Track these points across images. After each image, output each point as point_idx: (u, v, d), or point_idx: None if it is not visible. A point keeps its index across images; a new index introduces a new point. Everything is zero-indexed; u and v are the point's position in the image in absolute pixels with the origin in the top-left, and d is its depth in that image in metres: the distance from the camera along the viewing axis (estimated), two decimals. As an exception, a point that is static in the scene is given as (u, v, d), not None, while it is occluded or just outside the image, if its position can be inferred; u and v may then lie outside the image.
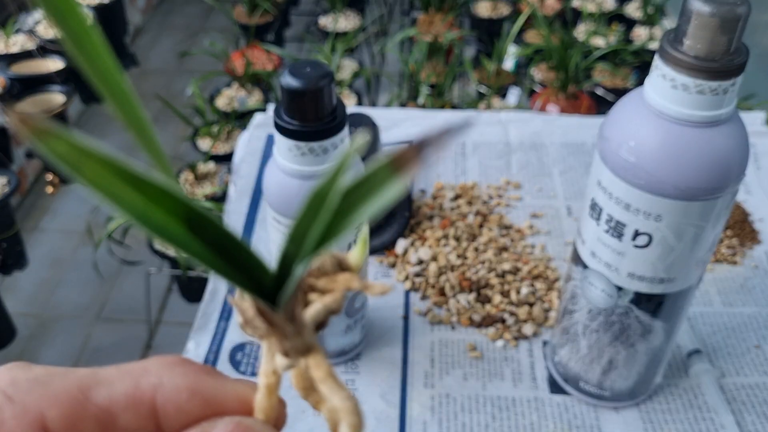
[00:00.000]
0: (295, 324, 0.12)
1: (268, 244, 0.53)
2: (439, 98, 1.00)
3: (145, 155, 0.11)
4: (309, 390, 0.14)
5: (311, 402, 0.14)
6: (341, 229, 0.11)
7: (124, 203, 0.10)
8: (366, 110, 0.62)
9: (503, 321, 0.46)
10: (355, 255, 0.13)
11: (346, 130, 0.35)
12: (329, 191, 0.11)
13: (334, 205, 0.11)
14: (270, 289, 0.12)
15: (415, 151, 0.10)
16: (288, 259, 0.11)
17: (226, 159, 1.09)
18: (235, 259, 0.11)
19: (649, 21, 1.19)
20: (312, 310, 0.13)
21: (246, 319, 0.13)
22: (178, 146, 1.51)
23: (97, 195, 0.09)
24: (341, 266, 0.13)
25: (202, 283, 0.58)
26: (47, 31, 1.14)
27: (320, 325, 0.13)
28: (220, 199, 0.99)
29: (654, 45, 1.08)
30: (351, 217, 0.11)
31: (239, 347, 0.46)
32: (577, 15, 1.24)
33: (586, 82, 1.01)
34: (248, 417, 0.14)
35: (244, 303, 0.13)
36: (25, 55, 1.08)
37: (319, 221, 0.11)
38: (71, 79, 1.12)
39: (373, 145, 0.55)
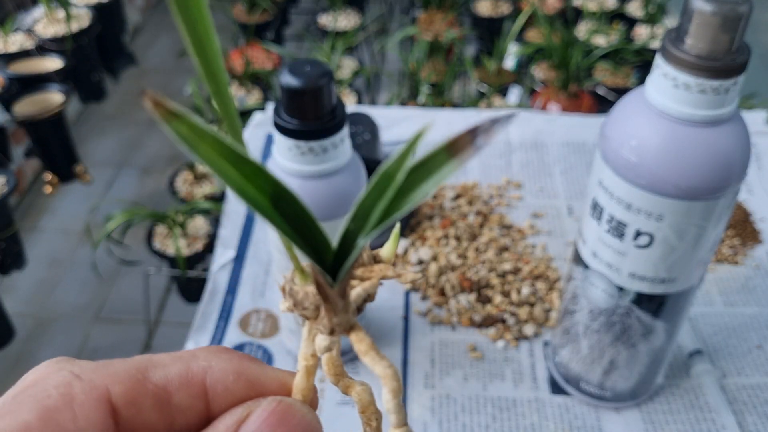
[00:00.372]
0: (345, 300, 0.14)
1: (267, 244, 0.53)
2: (440, 97, 0.99)
3: (228, 129, 0.13)
4: (339, 376, 0.15)
5: (341, 387, 0.16)
6: (403, 205, 0.12)
7: (227, 177, 0.12)
8: (366, 109, 0.62)
9: (504, 321, 0.46)
10: (387, 249, 0.15)
11: (345, 129, 0.35)
12: (397, 170, 0.12)
13: (400, 183, 0.12)
14: (329, 265, 0.13)
15: (469, 137, 0.12)
16: (349, 236, 0.13)
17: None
18: (306, 234, 0.13)
19: (651, 20, 1.19)
20: (354, 293, 0.14)
21: (296, 300, 0.14)
22: (176, 146, 1.51)
23: (208, 168, 0.12)
24: (375, 259, 0.15)
25: (201, 283, 0.58)
26: (46, 30, 1.14)
27: (358, 309, 0.15)
28: (219, 199, 0.98)
29: (655, 44, 1.08)
30: (412, 194, 0.12)
31: (238, 348, 0.46)
32: (578, 14, 1.24)
33: (588, 81, 1.00)
34: (288, 397, 0.15)
35: (295, 286, 0.14)
36: (24, 54, 1.08)
37: (384, 198, 0.12)
38: (70, 78, 1.12)
39: (373, 144, 0.55)
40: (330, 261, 0.13)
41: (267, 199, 0.12)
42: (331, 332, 0.14)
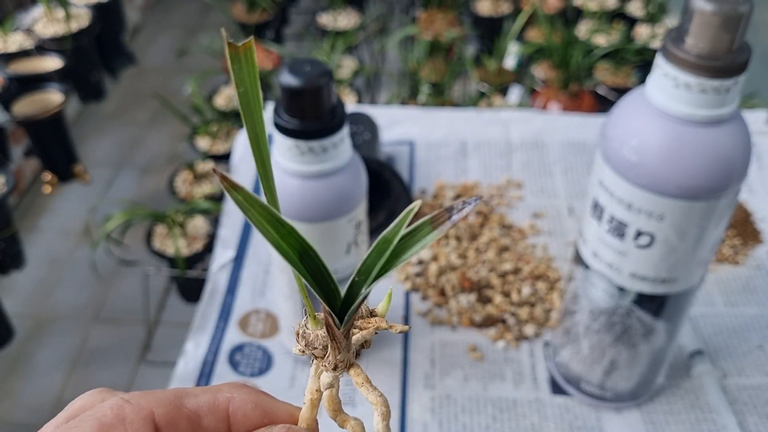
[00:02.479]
0: (348, 341, 0.17)
1: (267, 244, 0.52)
2: (440, 97, 0.99)
3: (265, 192, 0.17)
4: (337, 411, 0.19)
5: (339, 421, 0.19)
6: (397, 263, 0.16)
7: (269, 235, 0.15)
8: (366, 109, 0.62)
9: (504, 322, 0.46)
10: (382, 305, 0.18)
11: (345, 128, 0.35)
12: (394, 236, 0.16)
13: (393, 246, 0.15)
14: (338, 310, 0.17)
15: (447, 214, 0.15)
16: (354, 287, 0.16)
17: (225, 158, 1.09)
18: (322, 283, 0.16)
19: (651, 19, 1.19)
20: (354, 338, 0.18)
21: (307, 341, 0.18)
22: (176, 145, 1.51)
23: (255, 228, 0.15)
24: (372, 314, 0.18)
25: (201, 283, 0.58)
26: (45, 29, 1.13)
27: (357, 353, 0.18)
28: (218, 198, 0.98)
29: (656, 43, 1.08)
30: (403, 254, 0.16)
31: (238, 348, 0.46)
32: (578, 13, 1.24)
33: (588, 80, 1.00)
34: (295, 425, 0.18)
35: (308, 330, 0.18)
36: (23, 54, 1.08)
37: (383, 257, 0.16)
38: (69, 77, 1.12)
39: (373, 144, 0.55)
40: (338, 306, 0.16)
41: (296, 254, 0.16)
42: (335, 367, 0.17)
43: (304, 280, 0.16)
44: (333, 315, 0.16)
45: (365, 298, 0.16)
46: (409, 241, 0.16)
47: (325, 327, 0.17)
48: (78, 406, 0.17)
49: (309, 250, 0.16)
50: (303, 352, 0.18)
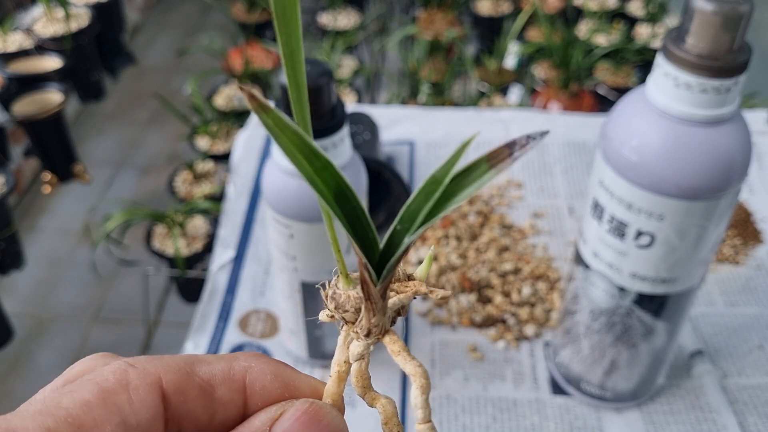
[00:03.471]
0: (384, 302, 0.15)
1: (267, 244, 0.52)
2: (440, 96, 0.99)
3: (298, 121, 0.15)
4: (366, 389, 0.17)
5: (367, 399, 0.17)
6: (447, 206, 0.14)
7: (301, 167, 0.13)
8: (366, 108, 0.62)
9: (504, 322, 0.46)
10: (421, 269, 0.16)
11: (345, 128, 0.35)
12: (445, 176, 0.13)
13: (445, 186, 0.13)
14: (375, 263, 0.14)
15: (507, 150, 0.13)
16: (396, 236, 0.14)
17: (224, 158, 1.09)
18: (359, 230, 0.14)
19: (652, 19, 1.19)
20: (391, 301, 0.16)
21: (338, 303, 0.15)
22: (176, 145, 1.51)
23: (286, 157, 0.13)
24: (409, 278, 0.16)
25: (200, 283, 0.58)
26: (45, 29, 1.13)
27: (392, 320, 0.16)
28: (218, 198, 0.98)
29: (656, 43, 1.08)
30: (454, 197, 0.14)
31: (238, 348, 0.46)
32: (579, 13, 1.24)
33: (588, 80, 1.00)
34: (319, 400, 0.16)
35: (338, 290, 0.16)
36: (23, 54, 1.08)
37: (431, 200, 0.14)
38: (69, 77, 1.12)
39: (373, 144, 0.55)
40: (376, 259, 0.14)
41: (331, 192, 0.14)
42: (368, 333, 0.15)
43: (340, 226, 0.14)
44: (370, 269, 0.14)
45: (409, 248, 0.14)
46: (462, 181, 0.14)
47: (360, 285, 0.15)
48: (78, 371, 0.15)
49: (346, 189, 0.14)
50: (332, 317, 0.16)
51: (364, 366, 0.16)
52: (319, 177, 0.13)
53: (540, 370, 0.43)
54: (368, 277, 0.14)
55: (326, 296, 0.16)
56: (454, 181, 0.14)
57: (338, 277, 0.16)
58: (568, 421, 0.40)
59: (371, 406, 0.17)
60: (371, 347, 0.16)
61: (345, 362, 0.16)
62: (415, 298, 0.16)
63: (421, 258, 0.50)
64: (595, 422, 0.40)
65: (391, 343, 0.16)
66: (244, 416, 0.16)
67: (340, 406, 0.17)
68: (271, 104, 0.13)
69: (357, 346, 0.16)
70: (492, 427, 0.40)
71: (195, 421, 0.15)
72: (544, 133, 0.13)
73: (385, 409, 0.16)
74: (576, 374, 0.41)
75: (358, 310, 0.15)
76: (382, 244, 0.14)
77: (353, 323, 0.16)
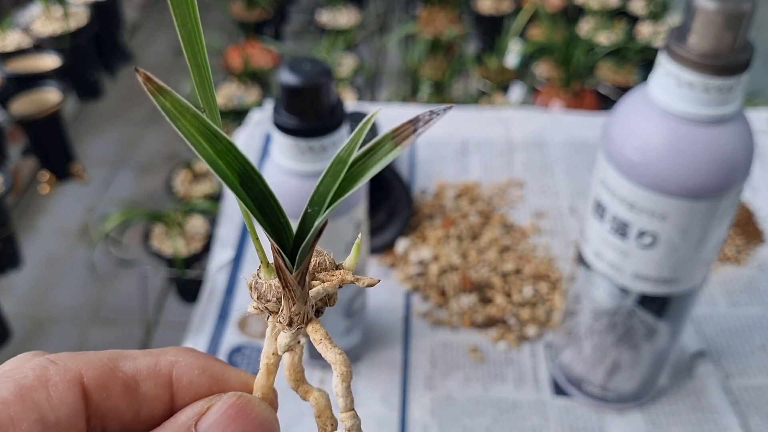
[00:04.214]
0: (303, 290, 0.15)
1: (265, 244, 0.52)
2: (441, 95, 0.99)
3: (202, 103, 0.14)
4: (298, 381, 0.17)
5: (300, 393, 0.17)
6: (352, 186, 0.13)
7: (201, 150, 0.13)
8: (366, 107, 0.61)
9: (505, 322, 0.46)
10: (349, 258, 0.16)
11: (345, 127, 0.35)
12: (349, 155, 0.13)
13: (346, 167, 0.13)
14: (290, 250, 0.14)
15: (411, 126, 0.13)
16: (308, 219, 0.14)
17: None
18: (270, 215, 0.14)
19: (653, 17, 1.18)
20: (314, 290, 0.15)
21: (260, 293, 0.15)
22: (174, 144, 1.50)
23: (185, 140, 0.13)
24: (337, 267, 0.16)
25: (199, 283, 0.58)
26: (43, 27, 1.13)
27: (318, 311, 0.16)
28: (217, 198, 0.98)
29: (658, 41, 1.07)
30: (360, 178, 0.13)
31: (237, 349, 0.45)
32: (580, 11, 1.24)
33: (590, 78, 1.00)
34: (248, 393, 0.16)
35: (260, 279, 0.15)
36: (21, 53, 1.07)
37: (337, 181, 0.13)
38: (67, 76, 1.11)
39: (371, 141, 0.54)
40: (290, 245, 0.14)
41: (236, 176, 0.13)
42: (290, 323, 0.15)
43: (246, 208, 0.13)
44: (283, 255, 0.14)
45: (319, 231, 0.14)
46: (368, 161, 0.13)
47: (275, 270, 0.14)
48: (6, 370, 0.15)
49: (252, 172, 0.13)
50: (258, 309, 0.15)
51: (296, 359, 0.16)
52: (221, 160, 0.13)
53: (541, 371, 0.43)
54: (282, 264, 0.14)
55: (251, 287, 0.15)
56: (361, 161, 0.13)
57: (260, 264, 0.15)
58: (569, 423, 0.40)
59: (304, 399, 0.16)
60: (299, 338, 0.15)
61: (273, 354, 0.16)
62: (341, 286, 0.15)
63: (421, 259, 0.50)
64: (596, 423, 0.40)
65: (313, 332, 0.15)
66: (171, 412, 0.16)
67: (271, 400, 0.16)
68: (169, 88, 0.12)
69: (284, 337, 0.15)
70: (492, 428, 0.40)
71: (119, 418, 0.15)
72: (447, 108, 0.13)
73: (317, 402, 0.16)
74: (577, 375, 0.40)
75: (280, 300, 0.15)
76: (295, 229, 0.14)
77: (277, 313, 0.15)
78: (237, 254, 0.52)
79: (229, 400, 0.15)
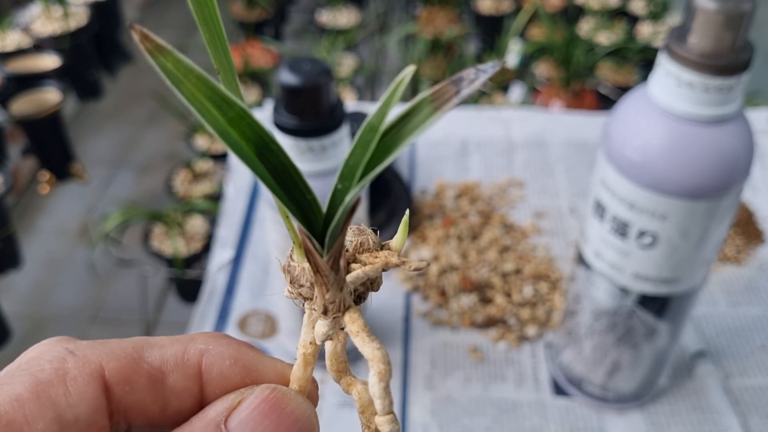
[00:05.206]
0: (338, 275, 0.13)
1: (266, 244, 0.52)
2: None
3: (219, 71, 0.12)
4: (341, 373, 0.15)
5: (343, 385, 0.15)
6: (386, 158, 0.11)
7: (209, 118, 0.11)
8: (366, 107, 0.61)
9: (505, 322, 0.46)
10: (396, 238, 0.14)
11: (345, 127, 0.35)
12: (380, 122, 0.11)
13: (380, 136, 0.11)
14: (320, 231, 0.12)
15: (453, 86, 0.11)
16: (338, 197, 0.12)
17: (223, 157, 1.08)
18: (294, 192, 0.12)
19: (654, 17, 1.18)
20: (353, 274, 0.13)
21: (292, 277, 0.14)
22: (174, 144, 1.50)
23: (190, 107, 0.11)
24: (382, 247, 0.14)
25: (199, 283, 0.58)
26: (43, 27, 1.13)
27: (360, 297, 0.14)
28: (217, 198, 0.98)
29: (658, 41, 1.07)
30: (394, 147, 0.12)
31: (237, 349, 0.45)
32: (580, 11, 1.24)
33: (590, 78, 1.00)
34: (283, 386, 0.15)
35: (293, 262, 0.14)
36: (21, 52, 1.07)
37: (368, 152, 0.12)
38: (67, 76, 1.11)
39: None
40: (320, 226, 0.12)
41: (251, 147, 0.11)
42: (324, 311, 0.13)
43: (264, 184, 0.12)
44: (311, 238, 0.12)
45: (352, 209, 0.12)
46: (403, 128, 0.12)
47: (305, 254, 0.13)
48: (29, 358, 0.14)
49: (271, 142, 0.11)
50: (291, 293, 0.14)
51: (339, 348, 0.15)
52: (234, 129, 0.11)
53: (541, 371, 0.43)
54: (312, 247, 0.12)
55: (283, 269, 0.14)
56: (395, 128, 0.12)
57: (293, 245, 0.14)
58: (569, 423, 0.40)
59: (347, 392, 0.15)
60: (339, 326, 0.14)
61: (311, 343, 0.14)
62: (385, 270, 0.14)
63: (421, 259, 0.50)
64: (596, 423, 0.40)
65: (351, 323, 0.14)
66: (201, 405, 0.14)
67: (310, 393, 0.15)
68: (169, 47, 0.11)
69: (321, 326, 0.14)
70: (492, 428, 0.40)
71: (144, 413, 0.14)
72: (495, 65, 0.11)
73: (360, 396, 0.15)
74: (577, 375, 0.40)
75: (314, 285, 0.13)
76: (324, 208, 0.12)
77: (312, 299, 0.14)
78: (237, 254, 0.52)
79: (262, 394, 0.14)
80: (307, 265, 0.13)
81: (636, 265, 0.33)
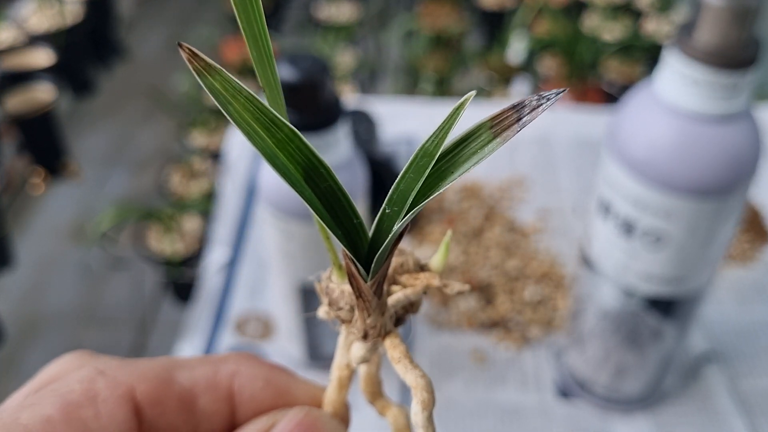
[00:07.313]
0: (380, 300, 0.13)
1: (263, 244, 0.51)
2: (442, 89, 0.98)
3: (264, 89, 0.12)
4: (376, 395, 0.15)
5: (378, 407, 0.15)
6: (440, 186, 0.11)
7: (256, 141, 0.11)
8: (366, 101, 0.60)
9: (508, 324, 0.45)
10: (436, 259, 0.14)
11: (344, 124, 0.34)
12: (437, 148, 0.11)
13: (435, 160, 0.11)
14: (364, 256, 0.12)
15: (514, 113, 0.11)
16: (385, 222, 0.11)
17: (220, 155, 1.07)
18: (340, 216, 0.11)
19: (659, 13, 1.18)
20: (393, 297, 0.13)
21: (331, 299, 0.13)
22: (170, 142, 1.49)
23: (237, 128, 0.11)
24: (423, 268, 0.14)
25: (195, 283, 0.57)
26: (38, 24, 1.12)
27: (399, 320, 0.14)
28: (213, 196, 0.97)
29: (663, 37, 1.07)
30: (449, 174, 0.11)
31: (232, 350, 0.44)
32: (584, 7, 1.23)
33: (594, 74, 0.99)
34: (317, 408, 0.14)
35: (331, 283, 0.13)
36: (15, 49, 1.06)
37: (422, 177, 0.11)
38: (62, 73, 1.10)
39: (371, 143, 0.54)
40: (365, 249, 0.12)
41: (299, 171, 0.11)
42: (365, 336, 0.13)
43: (311, 208, 0.11)
44: (356, 263, 0.12)
45: (399, 236, 0.11)
46: (459, 154, 0.11)
47: (348, 278, 0.12)
48: (51, 375, 0.14)
49: (320, 165, 0.11)
50: (329, 315, 0.14)
51: (374, 369, 0.15)
52: (282, 152, 0.11)
53: (545, 373, 0.42)
54: (356, 271, 0.12)
55: (321, 290, 0.14)
56: (450, 154, 0.11)
57: (332, 266, 0.13)
58: (573, 425, 0.39)
59: (381, 415, 0.15)
60: (377, 349, 0.14)
61: (347, 366, 0.14)
62: (425, 292, 0.14)
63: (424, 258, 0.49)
64: (601, 426, 0.40)
65: (392, 348, 0.13)
66: (232, 427, 0.14)
67: (344, 416, 0.15)
68: (218, 66, 0.11)
69: (358, 349, 0.14)
70: (495, 431, 0.39)
71: None
72: (559, 92, 0.10)
73: (396, 421, 0.14)
74: (582, 377, 0.40)
75: (353, 309, 0.13)
76: (371, 232, 0.12)
77: (350, 322, 0.13)
78: (234, 254, 0.51)
79: (296, 417, 0.14)
80: (347, 287, 0.13)
81: (641, 265, 0.33)
